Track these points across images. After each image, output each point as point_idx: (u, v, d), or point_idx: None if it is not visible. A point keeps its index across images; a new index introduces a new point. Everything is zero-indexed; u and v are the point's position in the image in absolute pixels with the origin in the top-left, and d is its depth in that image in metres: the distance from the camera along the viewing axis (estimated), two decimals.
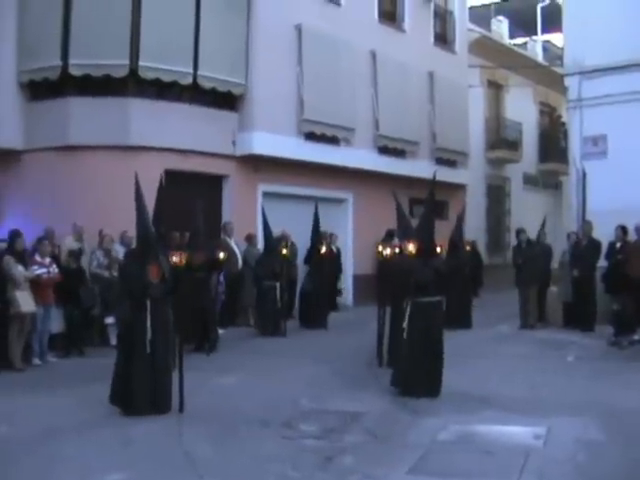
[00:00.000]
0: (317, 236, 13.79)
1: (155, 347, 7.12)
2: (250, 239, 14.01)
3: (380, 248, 9.96)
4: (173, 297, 7.46)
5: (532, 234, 14.23)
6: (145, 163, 12.17)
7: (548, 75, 23.40)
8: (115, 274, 10.85)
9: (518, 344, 11.70)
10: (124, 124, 12.99)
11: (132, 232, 8.57)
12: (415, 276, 7.81)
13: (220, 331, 11.41)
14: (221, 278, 12.24)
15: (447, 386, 7.86)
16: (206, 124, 13.88)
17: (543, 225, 13.99)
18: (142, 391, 7.04)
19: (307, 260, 14.12)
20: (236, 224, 13.88)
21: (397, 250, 9.42)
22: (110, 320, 11.00)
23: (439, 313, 7.97)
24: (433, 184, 8.54)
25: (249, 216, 14.67)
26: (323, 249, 13.72)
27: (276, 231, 13.55)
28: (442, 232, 13.98)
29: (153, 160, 12.59)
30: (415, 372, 7.71)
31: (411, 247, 7.82)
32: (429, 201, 8.42)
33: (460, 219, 14.42)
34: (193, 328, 10.55)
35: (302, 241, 14.32)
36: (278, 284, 12.74)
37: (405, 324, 7.87)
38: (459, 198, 20.05)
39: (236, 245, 13.66)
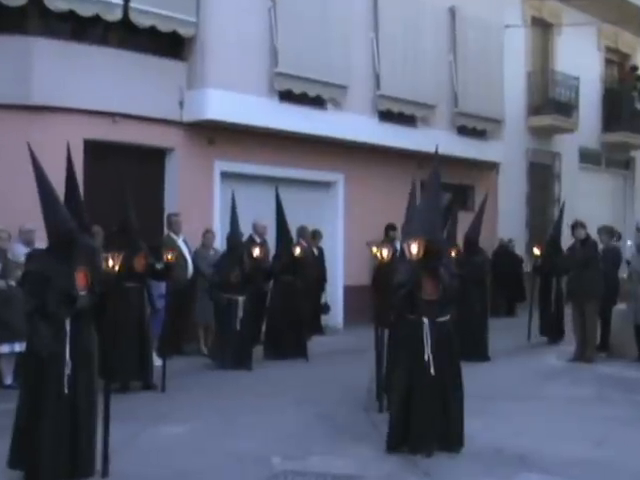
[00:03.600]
0: (283, 232, 13.79)
1: (76, 386, 7.03)
2: (204, 237, 13.98)
3: (375, 249, 9.95)
4: (103, 315, 7.38)
5: (592, 232, 14.25)
6: (55, 131, 12.11)
7: (619, 9, 23.50)
8: (13, 284, 10.76)
9: (572, 382, 11.76)
10: (24, 74, 12.80)
11: (38, 226, 8.41)
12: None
13: (157, 362, 11.41)
14: (162, 289, 12.21)
15: (471, 440, 7.88)
16: (142, 77, 13.85)
17: (562, 212, 13.95)
18: (55, 449, 6.92)
19: (272, 267, 14.01)
20: (184, 216, 13.86)
21: (398, 251, 9.43)
22: (5, 349, 10.90)
23: (450, 337, 7.95)
24: (436, 155, 8.60)
25: (202, 205, 14.71)
26: (297, 251, 13.69)
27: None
28: (465, 227, 14.12)
29: (66, 126, 12.52)
30: (424, 419, 7.70)
31: (414, 248, 7.74)
32: (433, 183, 8.40)
33: (480, 210, 14.42)
34: (124, 358, 10.59)
35: (274, 239, 14.30)
36: (243, 298, 12.75)
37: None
38: (490, 181, 20.12)
39: (185, 245, 13.64)
